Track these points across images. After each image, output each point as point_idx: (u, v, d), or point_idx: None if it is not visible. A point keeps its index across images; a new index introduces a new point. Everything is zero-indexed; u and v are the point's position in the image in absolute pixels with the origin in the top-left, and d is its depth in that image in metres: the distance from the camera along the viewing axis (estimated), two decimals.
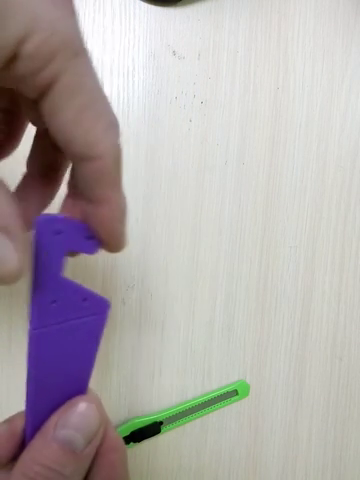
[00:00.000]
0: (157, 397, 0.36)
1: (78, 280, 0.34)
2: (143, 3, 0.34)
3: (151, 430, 0.34)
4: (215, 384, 0.37)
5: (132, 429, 0.34)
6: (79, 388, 0.17)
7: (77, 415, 0.15)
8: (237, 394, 0.37)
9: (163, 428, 0.35)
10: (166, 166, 0.35)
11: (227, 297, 0.37)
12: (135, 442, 0.34)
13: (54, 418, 0.15)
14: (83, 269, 0.33)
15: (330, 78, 0.39)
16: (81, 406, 0.15)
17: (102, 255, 0.34)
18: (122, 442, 0.17)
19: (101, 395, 0.27)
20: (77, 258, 0.33)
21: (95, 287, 0.34)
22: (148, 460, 0.35)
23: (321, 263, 0.39)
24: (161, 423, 0.34)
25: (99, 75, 0.34)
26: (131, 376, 0.35)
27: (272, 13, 0.37)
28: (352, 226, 0.40)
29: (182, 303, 0.36)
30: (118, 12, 0.33)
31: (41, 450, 0.14)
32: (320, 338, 0.40)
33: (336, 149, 0.39)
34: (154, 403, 0.35)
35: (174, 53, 0.35)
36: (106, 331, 0.35)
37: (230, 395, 0.37)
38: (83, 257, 0.33)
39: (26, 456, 0.14)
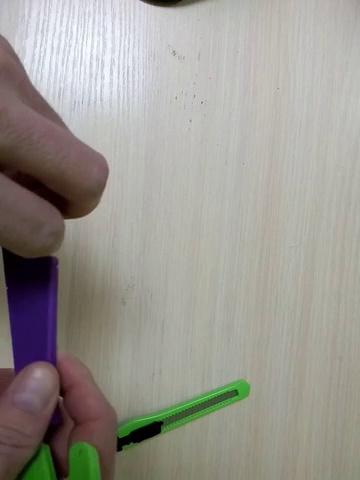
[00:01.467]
0: (157, 397, 0.36)
1: (78, 280, 0.34)
2: (143, 3, 0.34)
3: (151, 430, 0.34)
4: (215, 384, 0.37)
5: (132, 429, 0.34)
6: (42, 354, 0.18)
7: (33, 380, 0.16)
8: (237, 394, 0.37)
9: (163, 428, 0.35)
10: (166, 166, 0.35)
11: (227, 297, 0.37)
12: (135, 442, 0.34)
13: (13, 383, 0.16)
14: (83, 269, 0.33)
15: (330, 78, 0.39)
16: (37, 371, 0.17)
17: (102, 255, 0.34)
18: (107, 412, 0.18)
19: None
20: (77, 258, 0.33)
21: (95, 287, 0.34)
22: (148, 460, 0.35)
23: (321, 263, 0.39)
24: (161, 423, 0.34)
25: (99, 75, 0.34)
26: (131, 376, 0.35)
27: (272, 13, 0.37)
28: (352, 226, 0.40)
29: (182, 303, 0.36)
30: (118, 12, 0.33)
31: (2, 413, 0.16)
32: (320, 338, 0.40)
33: (336, 149, 0.39)
34: (154, 403, 0.35)
35: (174, 53, 0.35)
36: (106, 331, 0.35)
37: (230, 395, 0.37)
38: (83, 257, 0.33)
39: (8, 413, 0.16)
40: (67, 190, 0.15)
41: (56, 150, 0.14)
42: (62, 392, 0.18)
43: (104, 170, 0.16)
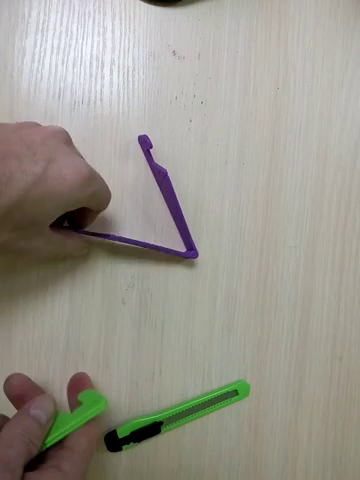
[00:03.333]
0: (157, 397, 0.36)
1: (78, 280, 0.34)
2: (143, 3, 0.34)
3: (151, 430, 0.34)
4: (215, 384, 0.37)
5: (132, 429, 0.33)
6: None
7: (45, 403, 0.25)
8: (237, 394, 0.37)
9: (163, 428, 0.35)
10: (166, 166, 0.35)
11: (227, 297, 0.37)
12: (135, 442, 0.34)
13: (33, 401, 0.25)
14: (83, 269, 0.33)
15: (330, 78, 0.39)
16: (47, 399, 0.26)
17: (102, 255, 0.34)
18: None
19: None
20: (77, 258, 0.33)
21: (95, 287, 0.34)
22: (148, 460, 0.35)
23: (321, 263, 0.39)
24: (161, 423, 0.34)
25: (99, 75, 0.34)
26: (131, 376, 0.35)
27: (272, 13, 0.37)
28: (352, 226, 0.40)
29: (182, 303, 0.36)
30: (118, 12, 0.33)
31: (23, 420, 0.24)
32: (320, 338, 0.40)
33: (336, 149, 0.39)
34: (154, 403, 0.35)
35: (174, 53, 0.35)
36: (106, 331, 0.35)
37: (230, 395, 0.37)
38: (83, 257, 0.33)
39: (14, 420, 0.24)
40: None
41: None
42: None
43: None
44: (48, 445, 0.25)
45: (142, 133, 0.33)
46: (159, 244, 0.35)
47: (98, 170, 0.27)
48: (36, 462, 0.24)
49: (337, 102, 0.39)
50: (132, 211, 0.34)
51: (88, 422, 0.26)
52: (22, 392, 0.27)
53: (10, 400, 0.27)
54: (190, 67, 0.35)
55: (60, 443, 0.25)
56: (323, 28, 0.38)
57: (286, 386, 0.39)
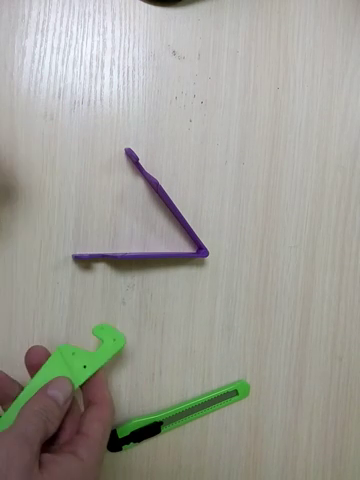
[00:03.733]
0: (157, 397, 0.36)
1: (78, 280, 0.34)
2: (143, 3, 0.34)
3: (151, 430, 0.34)
4: (215, 384, 0.37)
5: (132, 429, 0.34)
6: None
7: (62, 384, 0.26)
8: (237, 394, 0.37)
9: (163, 428, 0.35)
10: (166, 166, 0.35)
11: (227, 297, 0.37)
12: (135, 442, 0.34)
13: (51, 382, 0.26)
14: (83, 269, 0.33)
15: (330, 78, 0.39)
16: (65, 381, 0.26)
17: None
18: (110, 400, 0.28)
19: None
20: (77, 258, 0.33)
21: (95, 287, 0.34)
22: (148, 460, 0.35)
23: (321, 263, 0.39)
24: (161, 423, 0.34)
25: (99, 75, 0.34)
26: (131, 376, 0.35)
27: (272, 13, 0.37)
28: (352, 226, 0.40)
29: (182, 303, 0.36)
30: (118, 12, 0.33)
31: (41, 399, 0.25)
32: (320, 338, 0.40)
33: (336, 149, 0.39)
34: (154, 403, 0.35)
35: (174, 53, 0.35)
36: None
37: (230, 395, 0.37)
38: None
39: (33, 399, 0.25)
40: None
41: None
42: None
43: None
44: (81, 383, 0.27)
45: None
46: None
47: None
48: (51, 443, 0.25)
49: (337, 102, 0.39)
50: (132, 211, 0.34)
51: (101, 407, 0.26)
52: (39, 362, 0.27)
53: (28, 369, 0.28)
54: (190, 67, 0.35)
55: (74, 427, 0.26)
56: (323, 28, 0.38)
57: (286, 386, 0.39)
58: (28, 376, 0.27)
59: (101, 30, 0.33)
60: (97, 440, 0.25)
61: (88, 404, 0.27)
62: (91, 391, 0.27)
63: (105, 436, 0.26)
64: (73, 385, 0.26)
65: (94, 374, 0.27)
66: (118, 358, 0.35)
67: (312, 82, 0.38)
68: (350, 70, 0.39)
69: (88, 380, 0.27)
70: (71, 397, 0.26)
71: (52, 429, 0.24)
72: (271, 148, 0.37)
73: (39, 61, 0.32)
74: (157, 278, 0.35)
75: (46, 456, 0.22)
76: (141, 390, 0.35)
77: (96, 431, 0.25)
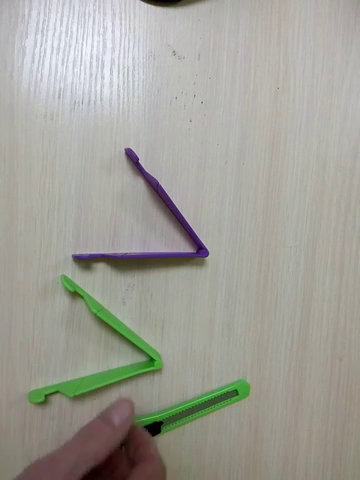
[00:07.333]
0: (157, 397, 0.36)
1: (78, 280, 0.34)
2: (143, 3, 0.34)
3: (151, 430, 0.34)
4: (215, 384, 0.37)
5: None
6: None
7: (121, 405, 0.26)
8: (237, 394, 0.37)
9: (163, 428, 0.35)
10: (166, 166, 0.35)
11: (227, 297, 0.37)
12: None
13: (109, 406, 0.26)
14: (83, 269, 0.33)
15: (330, 78, 0.39)
16: (126, 403, 0.27)
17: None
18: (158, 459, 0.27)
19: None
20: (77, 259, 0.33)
21: (95, 287, 0.34)
22: None
23: (321, 263, 0.39)
24: (161, 423, 0.34)
25: (99, 75, 0.34)
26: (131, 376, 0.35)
27: (272, 13, 0.37)
28: (352, 226, 0.40)
29: (182, 303, 0.36)
30: (118, 12, 0.33)
31: (99, 423, 0.25)
32: (320, 338, 0.40)
33: (336, 149, 0.39)
34: (154, 403, 0.35)
35: (174, 53, 0.35)
36: (106, 331, 0.35)
37: (230, 395, 0.37)
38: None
39: (94, 421, 0.26)
40: None
41: None
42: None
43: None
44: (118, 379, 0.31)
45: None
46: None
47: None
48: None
49: (337, 102, 0.39)
50: (132, 211, 0.34)
51: (150, 463, 0.26)
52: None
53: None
54: (190, 67, 0.35)
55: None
56: (323, 28, 0.38)
57: (286, 386, 0.39)
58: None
59: (101, 30, 0.33)
60: (159, 461, 0.25)
61: (134, 464, 0.26)
62: (137, 453, 0.27)
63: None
64: (133, 407, 0.27)
65: (138, 434, 0.28)
66: (118, 357, 0.35)
67: (312, 82, 0.38)
68: (350, 70, 0.39)
69: (133, 441, 0.28)
70: (130, 420, 0.26)
71: (107, 453, 0.23)
72: (271, 148, 0.37)
73: (39, 61, 0.32)
74: (157, 278, 0.35)
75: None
76: (141, 390, 0.35)
77: (157, 452, 0.26)
